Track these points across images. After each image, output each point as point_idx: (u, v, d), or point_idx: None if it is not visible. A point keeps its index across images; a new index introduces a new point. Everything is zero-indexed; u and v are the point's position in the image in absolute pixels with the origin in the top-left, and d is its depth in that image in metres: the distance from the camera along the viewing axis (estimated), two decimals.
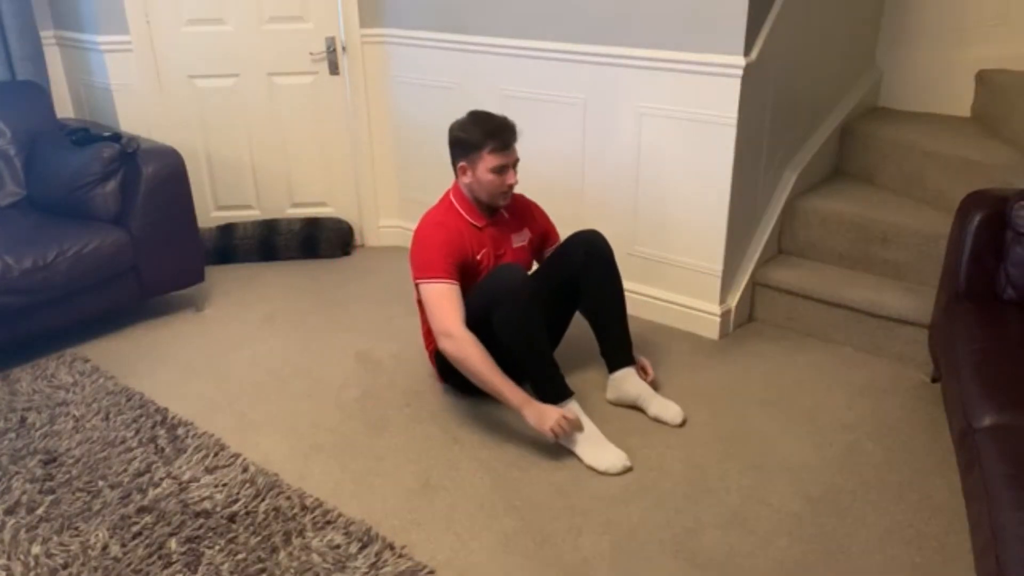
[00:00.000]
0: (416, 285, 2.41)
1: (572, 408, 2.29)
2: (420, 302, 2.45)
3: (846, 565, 1.87)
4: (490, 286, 2.31)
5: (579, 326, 2.60)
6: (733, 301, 2.92)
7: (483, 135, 2.36)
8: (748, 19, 2.50)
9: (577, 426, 2.26)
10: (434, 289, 2.34)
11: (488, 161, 2.36)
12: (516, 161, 2.42)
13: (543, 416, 2.23)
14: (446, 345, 2.30)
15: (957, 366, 1.98)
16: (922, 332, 2.63)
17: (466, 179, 2.43)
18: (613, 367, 2.50)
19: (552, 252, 2.58)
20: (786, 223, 3.02)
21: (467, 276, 2.41)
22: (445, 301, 2.32)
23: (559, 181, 3.13)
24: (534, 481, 2.17)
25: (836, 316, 2.82)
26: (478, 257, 2.45)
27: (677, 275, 2.94)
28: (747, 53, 2.55)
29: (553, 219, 3.21)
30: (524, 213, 2.61)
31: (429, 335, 2.50)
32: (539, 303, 2.31)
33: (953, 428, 1.96)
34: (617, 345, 2.50)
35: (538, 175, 3.20)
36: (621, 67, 2.81)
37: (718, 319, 2.87)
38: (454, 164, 2.44)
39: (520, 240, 2.57)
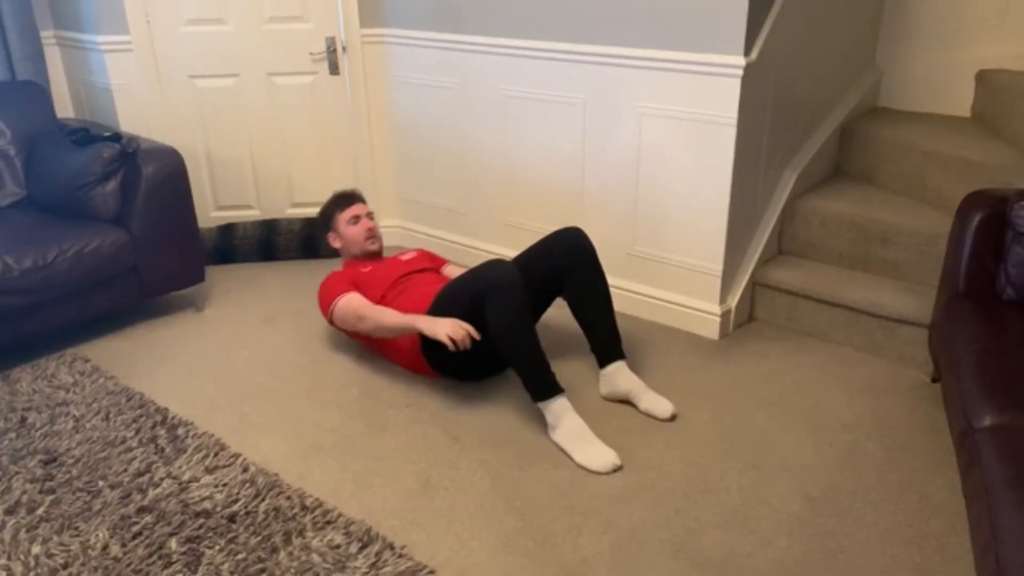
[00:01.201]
0: (331, 319, 2.70)
1: (562, 405, 2.29)
2: (375, 343, 2.71)
3: (846, 565, 1.87)
4: (482, 280, 2.33)
5: (572, 322, 2.60)
6: (733, 301, 2.92)
7: (331, 205, 2.96)
8: (748, 19, 2.51)
9: (473, 332, 2.38)
10: (341, 302, 2.65)
11: (342, 219, 2.90)
12: (369, 213, 2.95)
13: (436, 325, 2.38)
14: (366, 327, 2.58)
15: (957, 366, 1.98)
16: (922, 332, 2.63)
17: (339, 244, 2.94)
18: (604, 362, 2.52)
19: (534, 248, 2.60)
20: (786, 223, 3.03)
21: (363, 289, 2.70)
22: (353, 302, 2.63)
23: (559, 181, 3.14)
24: (534, 481, 2.17)
25: (836, 316, 2.82)
26: (365, 270, 2.78)
27: (677, 275, 2.94)
28: (747, 53, 2.55)
29: (553, 219, 3.23)
30: (406, 252, 2.99)
31: (402, 351, 2.63)
32: (528, 300, 2.34)
33: (953, 428, 1.96)
34: (606, 341, 2.52)
35: (538, 175, 3.20)
36: (621, 67, 2.81)
37: (718, 319, 2.88)
38: (328, 241, 2.97)
39: (407, 256, 2.92)
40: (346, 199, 2.95)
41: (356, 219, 2.90)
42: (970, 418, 1.80)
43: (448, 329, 2.35)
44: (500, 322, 2.28)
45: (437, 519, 2.04)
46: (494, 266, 2.35)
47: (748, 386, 2.60)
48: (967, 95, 3.29)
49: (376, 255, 2.93)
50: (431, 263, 2.93)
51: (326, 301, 2.72)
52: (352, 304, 2.61)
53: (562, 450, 2.27)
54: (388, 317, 2.52)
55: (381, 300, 2.69)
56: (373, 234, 2.92)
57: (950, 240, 2.33)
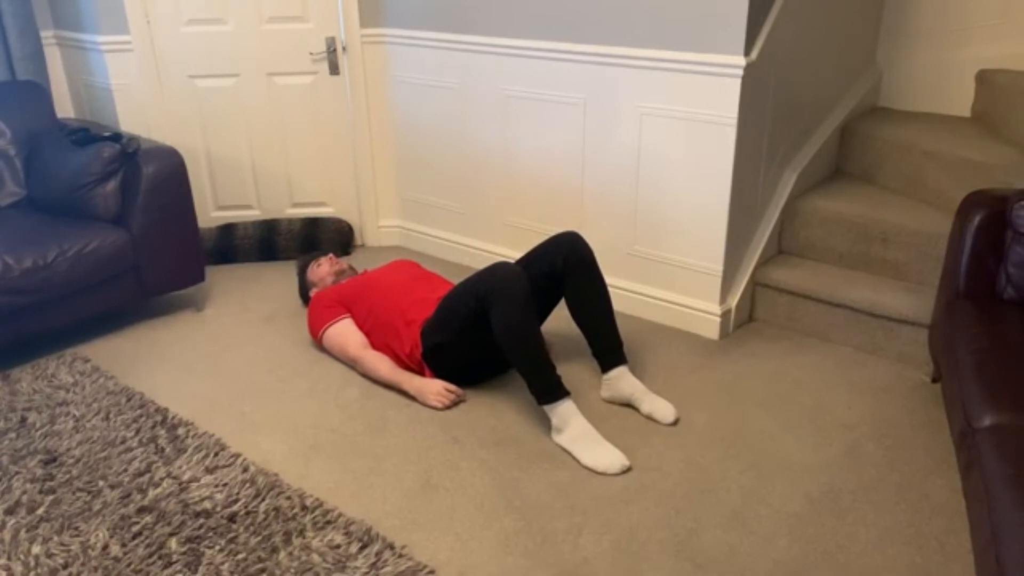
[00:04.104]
0: (320, 342, 2.80)
1: (569, 408, 2.29)
2: (375, 347, 2.70)
3: (846, 565, 1.87)
4: (487, 283, 2.32)
5: (571, 323, 2.60)
6: (733, 301, 2.92)
7: (299, 275, 3.16)
8: (748, 19, 2.51)
9: (460, 394, 2.51)
10: (332, 330, 2.75)
11: (310, 273, 3.08)
12: (321, 256, 3.12)
13: (423, 392, 2.52)
14: (357, 369, 2.70)
15: (957, 366, 1.98)
16: (922, 332, 2.63)
17: (317, 288, 3.04)
18: (606, 367, 2.51)
19: (532, 253, 2.60)
20: (786, 223, 3.03)
21: (351, 297, 2.77)
22: (345, 335, 2.72)
23: (559, 181, 3.14)
24: (534, 481, 2.17)
25: (836, 316, 2.82)
26: (344, 282, 2.88)
27: (677, 275, 2.94)
28: (747, 53, 2.55)
29: (553, 219, 3.23)
30: None
31: (401, 356, 2.62)
32: (533, 303, 2.33)
33: (953, 428, 1.96)
34: (608, 346, 2.52)
35: (538, 175, 3.20)
36: (621, 67, 2.81)
37: (718, 319, 2.87)
38: (310, 297, 3.01)
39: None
40: (303, 259, 3.17)
41: (318, 264, 3.09)
42: (970, 418, 1.80)
43: (435, 398, 2.50)
44: (505, 325, 2.28)
45: (437, 519, 2.04)
46: (500, 268, 2.34)
47: (748, 386, 2.60)
48: (967, 95, 3.29)
49: (348, 272, 3.08)
50: (415, 267, 2.94)
51: (316, 324, 2.81)
52: (346, 340, 2.71)
53: (567, 452, 2.27)
54: (380, 371, 2.61)
55: (372, 303, 2.70)
56: (335, 259, 3.09)
57: (950, 240, 2.33)
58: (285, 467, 2.25)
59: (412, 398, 2.55)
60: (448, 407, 2.50)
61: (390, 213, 3.84)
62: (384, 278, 2.79)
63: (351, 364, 2.72)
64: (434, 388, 2.51)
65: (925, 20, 3.31)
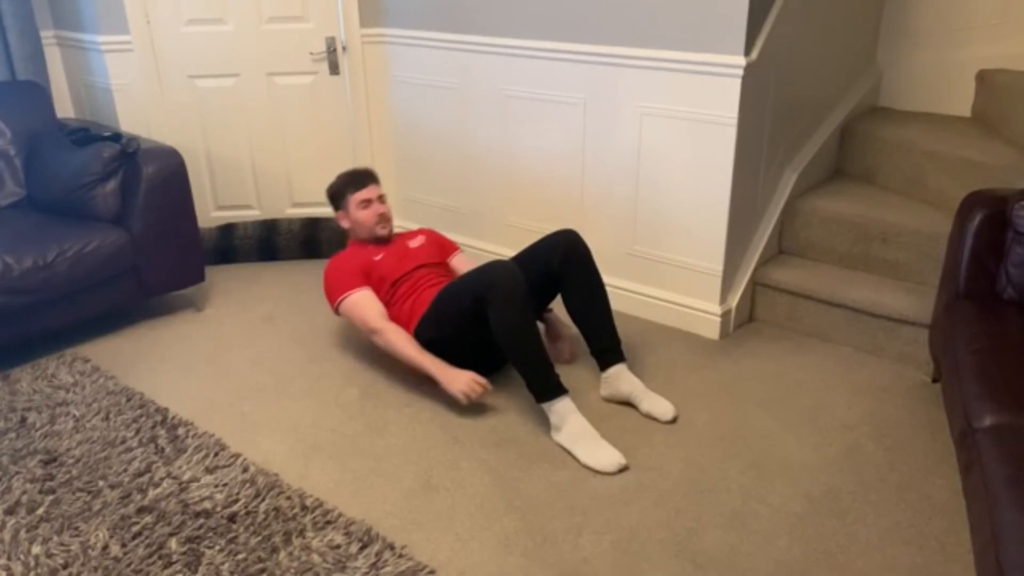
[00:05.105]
0: (337, 311, 2.69)
1: (567, 406, 2.29)
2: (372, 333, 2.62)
3: (846, 565, 1.87)
4: (484, 281, 2.33)
5: (571, 323, 2.60)
6: (733, 301, 2.92)
7: (343, 183, 2.81)
8: (748, 19, 2.51)
9: (488, 388, 2.43)
10: (350, 300, 2.64)
11: (353, 201, 2.78)
12: (381, 196, 2.81)
13: (451, 380, 2.42)
14: (376, 340, 2.59)
15: (957, 366, 1.98)
16: (922, 332, 2.63)
17: (347, 224, 2.83)
18: (604, 366, 2.52)
19: (528, 251, 2.60)
20: (786, 223, 3.03)
21: (373, 280, 2.68)
22: (364, 304, 2.61)
23: (559, 181, 3.14)
24: (534, 481, 2.17)
25: (836, 316, 2.82)
26: (376, 259, 2.72)
27: (677, 275, 2.94)
28: (747, 53, 2.55)
29: (553, 219, 3.22)
30: (414, 234, 2.91)
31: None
32: (531, 302, 2.34)
33: (953, 428, 1.96)
34: (606, 344, 2.52)
35: (538, 175, 3.20)
36: (621, 67, 2.81)
37: (718, 319, 2.87)
38: (336, 220, 2.88)
39: (416, 243, 2.85)
40: (359, 179, 2.80)
41: (367, 203, 2.77)
42: (970, 418, 1.80)
43: (463, 387, 2.40)
44: (503, 324, 2.28)
45: (437, 519, 2.04)
46: (497, 267, 2.34)
47: (748, 386, 2.60)
48: (967, 95, 3.29)
49: (385, 240, 2.82)
50: (440, 253, 2.87)
51: (335, 291, 2.67)
52: (365, 310, 2.59)
53: (566, 451, 2.27)
54: (403, 347, 2.51)
55: (392, 293, 2.67)
56: (384, 219, 2.79)
57: (950, 240, 2.33)
58: (285, 467, 2.25)
59: (425, 380, 2.52)
60: (472, 402, 2.44)
61: None
62: (410, 258, 2.73)
63: (369, 335, 2.62)
64: (464, 377, 2.42)
65: (925, 20, 3.31)
